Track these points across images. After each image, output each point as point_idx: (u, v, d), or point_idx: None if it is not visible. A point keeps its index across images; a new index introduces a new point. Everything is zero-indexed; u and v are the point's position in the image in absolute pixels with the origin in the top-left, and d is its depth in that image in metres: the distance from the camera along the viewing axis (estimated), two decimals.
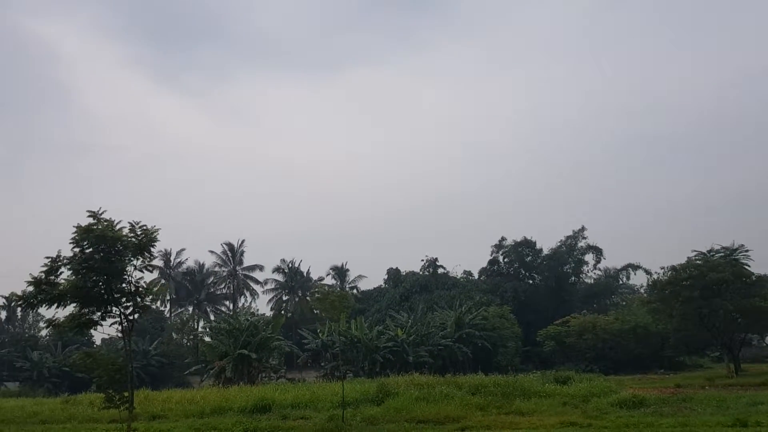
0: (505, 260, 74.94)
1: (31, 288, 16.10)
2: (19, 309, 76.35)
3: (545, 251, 73.05)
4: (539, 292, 70.81)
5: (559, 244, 72.89)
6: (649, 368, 48.93)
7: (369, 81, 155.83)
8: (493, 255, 75.67)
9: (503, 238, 74.75)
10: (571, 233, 73.05)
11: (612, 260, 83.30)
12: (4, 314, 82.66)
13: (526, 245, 73.29)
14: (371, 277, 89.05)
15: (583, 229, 72.71)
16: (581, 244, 72.48)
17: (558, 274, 70.98)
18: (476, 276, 77.55)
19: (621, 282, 75.92)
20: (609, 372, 45.48)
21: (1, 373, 64.52)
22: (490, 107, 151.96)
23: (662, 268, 45.93)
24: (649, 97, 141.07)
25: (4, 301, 79.41)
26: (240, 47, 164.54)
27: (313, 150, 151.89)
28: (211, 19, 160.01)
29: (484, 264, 77.00)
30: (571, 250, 72.59)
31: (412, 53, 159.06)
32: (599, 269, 74.98)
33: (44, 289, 15.96)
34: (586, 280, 75.70)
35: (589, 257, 73.15)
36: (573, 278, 74.07)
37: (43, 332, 74.98)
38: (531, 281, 73.84)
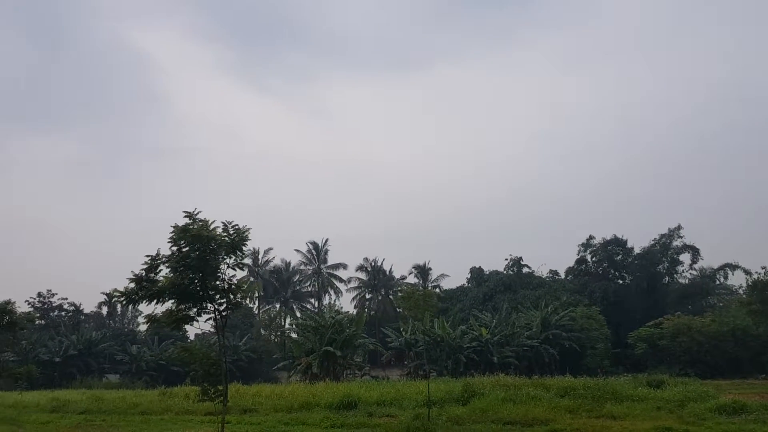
0: (594, 259, 72.77)
1: (132, 285, 16.95)
2: (119, 305, 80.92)
3: (636, 250, 70.43)
4: (630, 292, 68.30)
5: (652, 242, 70.07)
6: (748, 373, 46.30)
7: (448, 77, 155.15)
8: (581, 254, 73.66)
9: (591, 237, 72.72)
10: (666, 231, 70.13)
11: (708, 260, 79.37)
12: (105, 310, 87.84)
13: (616, 244, 70.89)
14: (454, 277, 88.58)
15: (679, 227, 69.60)
16: (676, 243, 69.39)
17: (650, 274, 68.17)
18: (563, 276, 75.76)
19: (718, 282, 71.96)
20: (705, 376, 43.28)
21: (102, 365, 68.38)
22: (577, 102, 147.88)
23: (763, 267, 43.68)
24: (750, 89, 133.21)
25: (105, 297, 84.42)
26: (321, 48, 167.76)
27: (394, 148, 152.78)
28: (293, 21, 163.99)
29: (571, 263, 75.18)
30: (666, 249, 69.56)
31: (493, 49, 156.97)
32: (695, 269, 71.55)
33: (145, 286, 16.74)
34: (680, 281, 72.33)
35: (685, 257, 69.93)
36: (666, 278, 70.97)
37: (141, 327, 79.12)
38: (621, 281, 71.33)
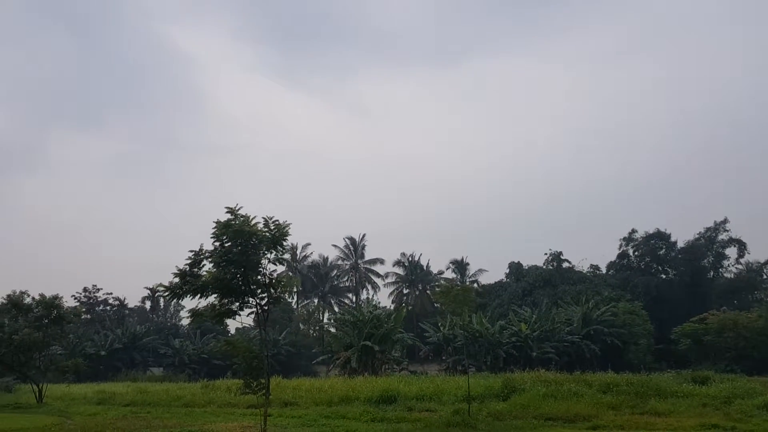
0: (636, 254, 71.57)
1: (176, 279, 17.25)
2: (162, 299, 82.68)
3: (680, 244, 68.94)
4: (673, 287, 66.94)
5: (696, 236, 68.54)
6: None
7: (487, 70, 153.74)
8: (622, 248, 72.58)
9: (633, 231, 71.56)
10: (711, 225, 68.44)
11: (756, 254, 77.05)
12: (148, 304, 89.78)
13: (659, 238, 69.53)
14: (491, 272, 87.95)
15: (725, 221, 67.95)
16: (722, 236, 67.67)
17: (695, 269, 66.67)
18: (604, 270, 74.66)
19: (765, 277, 70.09)
20: (752, 373, 42.05)
21: (147, 358, 69.97)
22: (618, 93, 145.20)
23: None
24: None
25: (148, 292, 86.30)
26: (361, 45, 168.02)
27: (432, 143, 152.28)
28: (333, 19, 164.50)
29: (613, 258, 74.04)
30: (711, 243, 67.96)
31: (533, 39, 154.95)
32: (741, 263, 69.71)
33: (188, 281, 17.04)
34: (725, 275, 70.57)
35: (731, 251, 68.29)
36: (711, 273, 69.31)
37: (184, 321, 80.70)
38: (664, 276, 69.98)
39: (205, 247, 16.95)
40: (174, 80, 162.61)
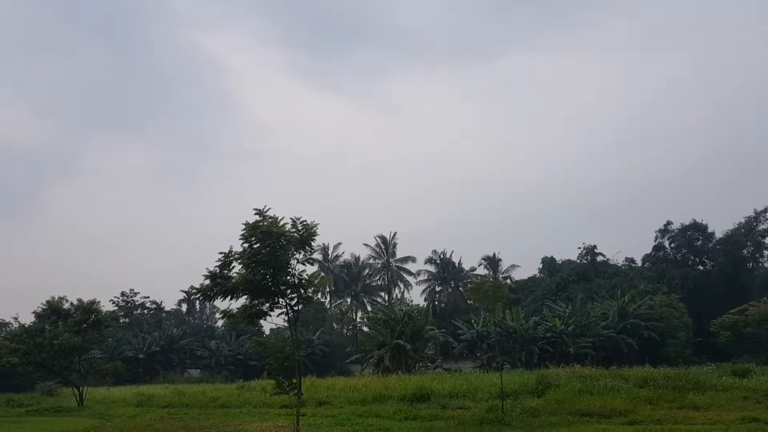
0: (672, 245, 70.17)
1: (207, 281, 17.50)
2: (197, 302, 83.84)
3: (718, 235, 67.44)
4: (711, 279, 65.47)
5: (736, 226, 66.88)
6: None
7: (518, 65, 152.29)
8: (658, 240, 71.22)
9: (669, 222, 70.17)
10: (751, 214, 66.78)
11: None
12: (185, 307, 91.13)
13: (696, 229, 68.08)
14: (524, 267, 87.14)
15: (765, 210, 66.11)
16: (763, 226, 65.94)
17: (734, 260, 65.06)
18: (639, 263, 73.39)
19: None
20: None
21: (184, 360, 71.04)
22: (650, 84, 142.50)
23: None
24: None
25: (184, 295, 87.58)
26: (389, 44, 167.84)
27: (462, 139, 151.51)
28: (361, 19, 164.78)
29: (648, 250, 72.77)
30: (750, 233, 66.24)
31: (564, 33, 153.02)
32: None
33: (219, 282, 17.28)
34: (766, 265, 68.76)
35: None
36: (751, 263, 67.60)
37: (219, 323, 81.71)
38: (701, 267, 68.49)
39: (234, 249, 17.15)
40: (205, 86, 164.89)
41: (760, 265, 68.35)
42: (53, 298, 38.26)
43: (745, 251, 66.85)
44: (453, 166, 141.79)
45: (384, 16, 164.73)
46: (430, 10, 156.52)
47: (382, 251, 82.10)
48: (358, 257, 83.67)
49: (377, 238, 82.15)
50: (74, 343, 36.59)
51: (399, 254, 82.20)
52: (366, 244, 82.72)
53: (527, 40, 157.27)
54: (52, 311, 37.88)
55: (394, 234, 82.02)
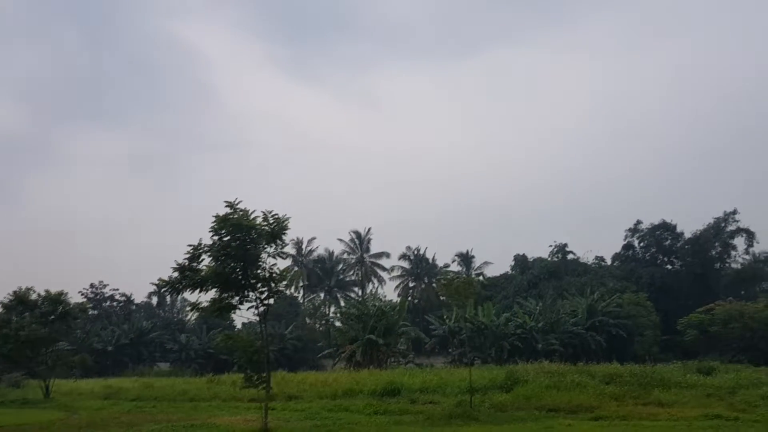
0: (641, 245, 71.35)
1: (176, 274, 17.34)
2: (168, 295, 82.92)
3: (687, 235, 68.70)
4: (679, 278, 66.71)
5: (705, 227, 68.20)
6: None
7: (500, 62, 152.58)
8: (628, 239, 72.37)
9: (639, 222, 71.32)
10: (720, 215, 68.17)
11: (765, 244, 76.49)
12: (155, 300, 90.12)
13: (665, 228, 69.29)
14: (497, 264, 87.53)
15: (735, 211, 67.52)
16: (731, 227, 67.34)
17: (701, 259, 66.38)
18: (609, 262, 74.47)
19: None
20: (759, 363, 41.87)
21: (153, 354, 70.32)
22: (629, 83, 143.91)
23: None
24: None
25: (155, 287, 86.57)
26: (371, 37, 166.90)
27: (441, 135, 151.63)
28: (342, 11, 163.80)
29: (618, 249, 73.86)
30: (719, 233, 67.58)
31: (547, 28, 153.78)
32: (749, 254, 69.32)
33: (188, 275, 17.15)
34: (733, 266, 70.23)
35: (739, 241, 67.83)
36: (718, 264, 68.99)
37: (190, 316, 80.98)
38: (670, 267, 69.73)
39: (204, 242, 17.03)
40: (184, 76, 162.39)
41: (728, 265, 69.77)
42: (20, 288, 37.52)
43: (713, 251, 68.19)
44: (431, 162, 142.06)
45: (367, 9, 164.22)
46: (414, 2, 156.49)
47: (357, 246, 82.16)
48: (332, 252, 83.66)
49: (352, 234, 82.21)
50: (41, 334, 35.90)
51: (373, 250, 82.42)
52: (340, 239, 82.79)
53: (512, 35, 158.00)
54: (19, 302, 37.13)
55: (369, 229, 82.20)
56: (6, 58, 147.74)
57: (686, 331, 52.03)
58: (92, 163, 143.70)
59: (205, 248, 16.90)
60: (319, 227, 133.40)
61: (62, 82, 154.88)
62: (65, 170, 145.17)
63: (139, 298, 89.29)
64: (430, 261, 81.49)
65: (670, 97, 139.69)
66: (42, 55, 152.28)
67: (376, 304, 50.04)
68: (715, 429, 16.08)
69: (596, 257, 75.20)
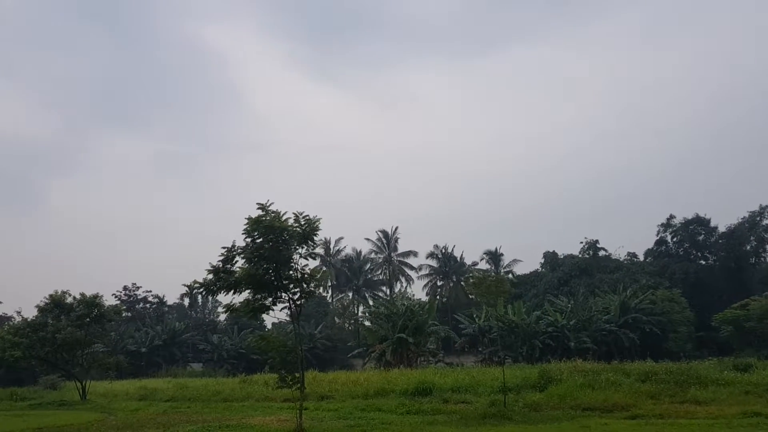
0: (674, 240, 70.24)
1: (210, 276, 17.52)
2: (199, 296, 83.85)
3: (721, 229, 67.41)
4: (713, 273, 65.48)
5: (740, 221, 66.87)
6: None
7: (522, 58, 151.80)
8: (660, 235, 71.23)
9: (671, 217, 70.22)
10: (756, 209, 66.76)
11: None
12: (187, 301, 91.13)
13: (699, 223, 68.07)
14: (526, 262, 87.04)
15: None
16: (767, 221, 65.88)
17: (736, 254, 65.00)
18: (641, 258, 73.42)
19: None
20: None
21: (186, 354, 71.18)
22: (654, 77, 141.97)
23: None
24: None
25: (186, 289, 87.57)
26: (393, 36, 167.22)
27: (467, 133, 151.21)
28: (364, 10, 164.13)
29: (650, 245, 72.78)
30: (754, 227, 66.15)
31: (571, 24, 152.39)
32: None
33: (222, 277, 17.30)
34: None
35: None
36: (753, 258, 67.54)
37: (221, 317, 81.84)
38: (704, 262, 68.47)
39: (237, 244, 17.16)
40: (208, 79, 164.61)
41: (763, 259, 68.38)
42: (56, 292, 38.31)
43: (747, 246, 66.81)
44: (455, 159, 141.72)
45: (386, 8, 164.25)
46: (432, 1, 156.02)
47: (384, 245, 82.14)
48: (360, 251, 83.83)
49: (379, 233, 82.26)
50: (77, 337, 36.68)
51: (401, 248, 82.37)
52: (368, 239, 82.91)
53: (528, 33, 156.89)
54: (55, 305, 37.93)
55: (396, 228, 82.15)
56: (37, 64, 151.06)
57: (721, 327, 51.12)
58: (120, 166, 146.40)
59: (239, 250, 17.04)
60: (346, 227, 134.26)
61: (90, 87, 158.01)
62: (94, 174, 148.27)
63: (171, 299, 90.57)
64: (458, 259, 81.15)
65: (703, 91, 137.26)
66: (71, 61, 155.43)
67: (405, 303, 49.96)
68: (756, 427, 15.71)
69: (628, 253, 74.37)
